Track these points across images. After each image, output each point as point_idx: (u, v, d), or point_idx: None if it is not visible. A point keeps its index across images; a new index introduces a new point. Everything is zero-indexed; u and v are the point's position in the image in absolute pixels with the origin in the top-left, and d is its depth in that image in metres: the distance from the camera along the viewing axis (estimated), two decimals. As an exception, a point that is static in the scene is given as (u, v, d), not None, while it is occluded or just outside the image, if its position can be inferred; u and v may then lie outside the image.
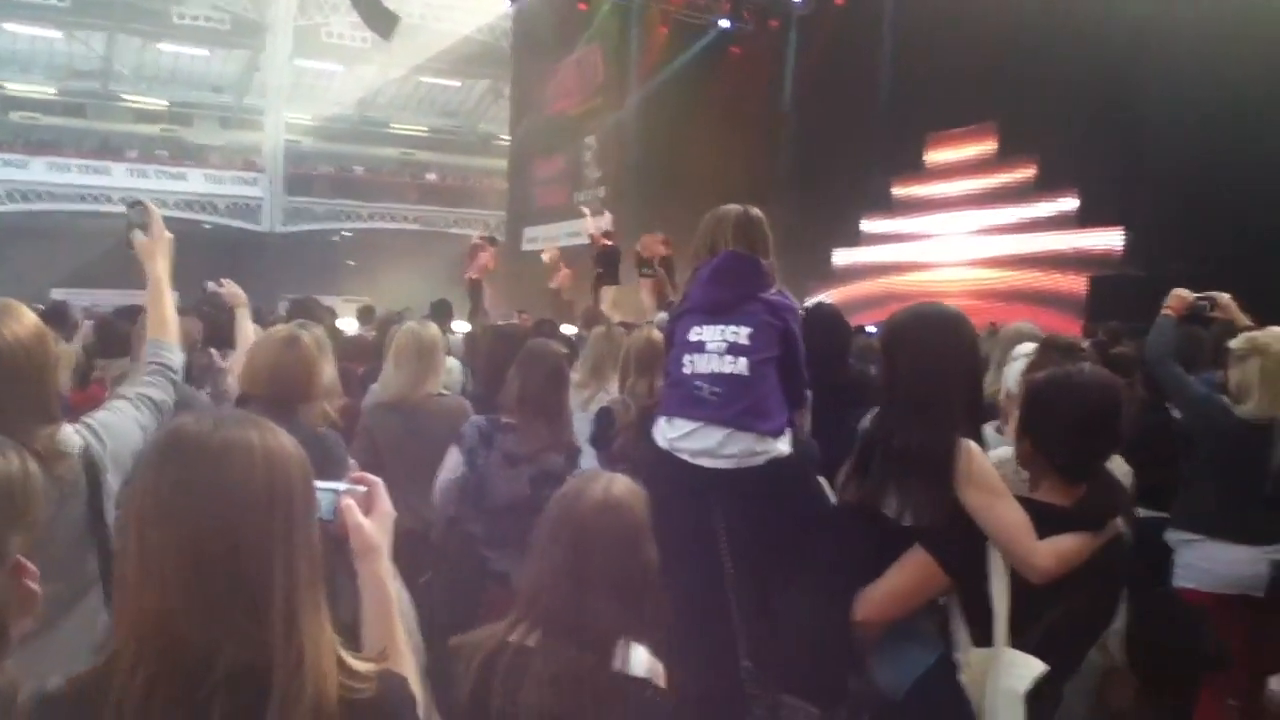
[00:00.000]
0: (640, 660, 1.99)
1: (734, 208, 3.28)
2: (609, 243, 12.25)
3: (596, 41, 20.28)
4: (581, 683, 1.91)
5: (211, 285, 4.50)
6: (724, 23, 17.09)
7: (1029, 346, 3.67)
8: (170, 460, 1.34)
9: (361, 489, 1.59)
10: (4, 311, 2.22)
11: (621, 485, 2.13)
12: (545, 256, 13.00)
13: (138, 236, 2.70)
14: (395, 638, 1.58)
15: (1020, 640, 2.31)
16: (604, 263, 11.58)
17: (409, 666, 1.58)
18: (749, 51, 17.05)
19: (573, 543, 2.02)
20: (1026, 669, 2.28)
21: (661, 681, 2.01)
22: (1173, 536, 4.01)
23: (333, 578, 1.43)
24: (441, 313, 8.22)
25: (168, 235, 2.74)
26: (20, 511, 1.62)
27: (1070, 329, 7.89)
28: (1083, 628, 2.42)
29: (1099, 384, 2.47)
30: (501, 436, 3.72)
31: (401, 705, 1.41)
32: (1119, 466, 3.35)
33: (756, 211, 3.29)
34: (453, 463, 3.76)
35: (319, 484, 1.47)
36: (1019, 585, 2.35)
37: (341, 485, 1.58)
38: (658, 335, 4.10)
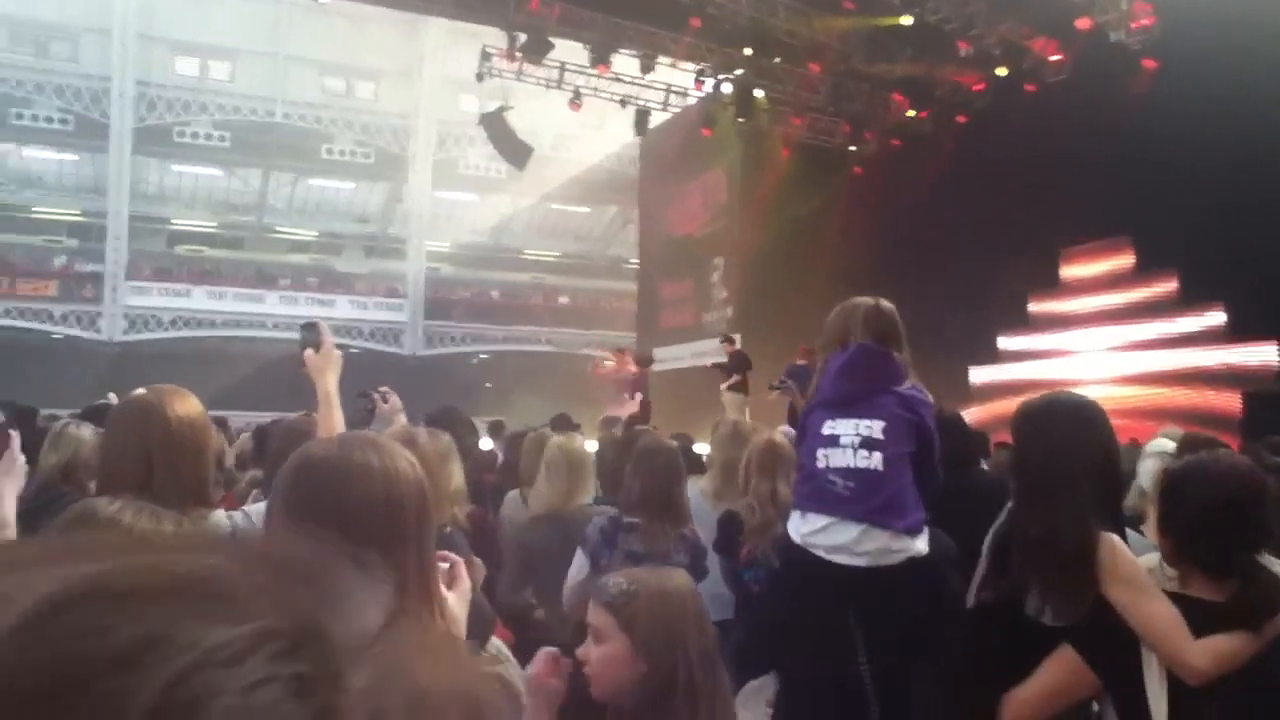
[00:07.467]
0: None
1: (865, 300, 3.23)
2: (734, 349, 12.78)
3: (721, 165, 20.70)
4: None
5: (375, 394, 4.40)
6: (852, 147, 17.28)
7: (1164, 443, 3.51)
8: (299, 481, 1.49)
9: (444, 565, 1.67)
10: (174, 393, 2.37)
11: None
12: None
13: (310, 354, 2.83)
14: None
15: (1179, 746, 2.18)
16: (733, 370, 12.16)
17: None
18: (872, 171, 17.14)
19: None
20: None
21: None
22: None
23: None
24: (560, 426, 8.32)
25: (336, 353, 2.88)
26: None
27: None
28: (1247, 735, 2.27)
29: (1235, 470, 2.35)
30: (624, 536, 3.71)
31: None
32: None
33: (888, 304, 3.22)
34: (578, 566, 3.76)
35: None
36: (1175, 686, 2.23)
37: None
38: (780, 438, 4.04)
